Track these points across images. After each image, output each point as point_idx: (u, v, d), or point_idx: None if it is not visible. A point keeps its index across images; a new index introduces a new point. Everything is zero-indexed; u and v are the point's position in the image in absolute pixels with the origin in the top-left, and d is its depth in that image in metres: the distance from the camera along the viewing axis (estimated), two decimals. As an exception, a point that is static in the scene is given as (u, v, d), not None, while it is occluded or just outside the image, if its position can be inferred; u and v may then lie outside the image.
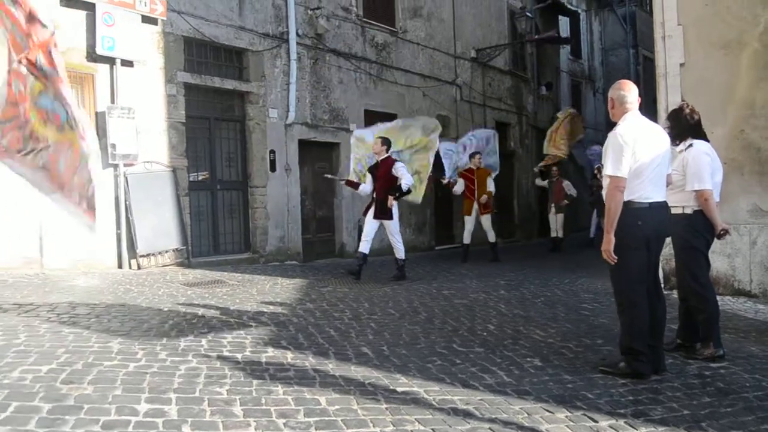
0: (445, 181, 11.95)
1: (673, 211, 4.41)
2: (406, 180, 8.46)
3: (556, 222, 14.23)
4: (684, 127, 4.73)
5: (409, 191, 8.78)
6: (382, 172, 8.58)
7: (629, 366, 4.03)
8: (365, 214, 8.85)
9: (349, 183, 9.33)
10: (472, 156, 12.09)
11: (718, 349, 4.49)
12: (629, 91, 4.12)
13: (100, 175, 8.34)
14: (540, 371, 4.21)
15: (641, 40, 24.15)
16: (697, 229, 4.56)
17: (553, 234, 14.33)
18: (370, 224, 8.69)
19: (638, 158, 3.94)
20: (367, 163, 9.63)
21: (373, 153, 8.99)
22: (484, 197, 11.53)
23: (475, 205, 11.58)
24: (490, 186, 11.73)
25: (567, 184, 14.24)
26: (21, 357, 3.91)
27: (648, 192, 4.00)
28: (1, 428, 2.80)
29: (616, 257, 3.96)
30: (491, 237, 11.79)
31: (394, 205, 8.48)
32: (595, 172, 14.95)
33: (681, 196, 4.55)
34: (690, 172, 4.52)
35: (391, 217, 8.51)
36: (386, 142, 8.73)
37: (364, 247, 8.66)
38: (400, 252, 8.74)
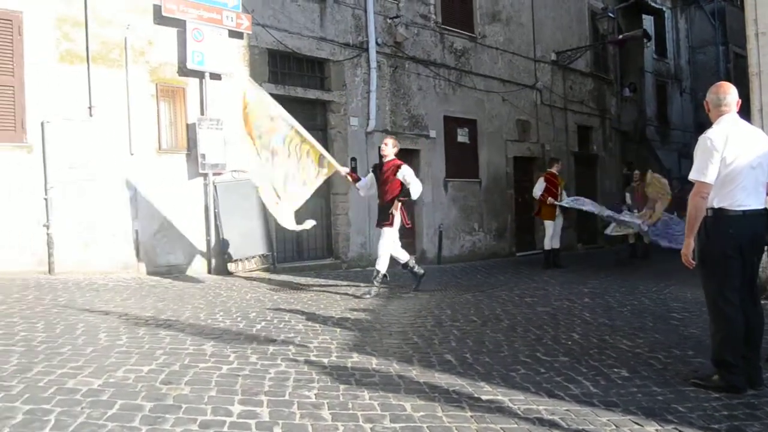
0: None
1: None
2: (415, 186, 7.64)
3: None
4: None
5: (406, 195, 7.70)
6: (387, 176, 7.78)
7: (723, 379, 3.89)
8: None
9: (354, 176, 8.31)
10: (555, 161, 11.96)
11: None
12: (725, 93, 3.96)
13: (189, 184, 8.78)
14: (627, 382, 4.12)
15: (731, 36, 23.09)
16: None
17: (631, 240, 13.78)
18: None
19: (730, 163, 3.77)
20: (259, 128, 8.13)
21: (381, 153, 8.12)
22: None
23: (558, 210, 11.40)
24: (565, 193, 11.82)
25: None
26: (124, 357, 4.15)
27: (741, 199, 3.82)
28: (110, 424, 2.99)
29: (693, 262, 3.86)
30: (556, 243, 11.61)
31: (398, 212, 7.67)
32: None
33: None
34: None
35: (391, 225, 7.69)
36: (397, 144, 8.01)
37: (403, 256, 8.03)
38: (381, 263, 7.66)
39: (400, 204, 7.63)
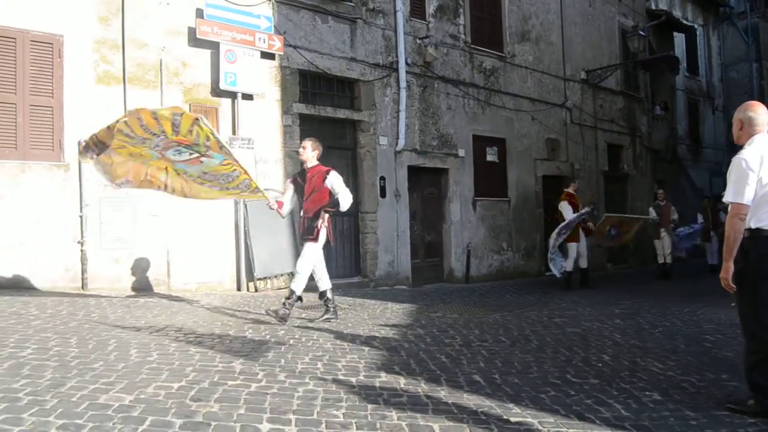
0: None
1: None
2: (344, 196, 6.71)
3: (663, 247, 13.55)
4: None
5: (334, 206, 6.76)
6: (314, 184, 6.80)
7: (759, 404, 3.80)
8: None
9: (280, 204, 6.97)
10: (571, 181, 11.93)
11: None
12: (758, 113, 3.93)
13: (220, 202, 8.89)
14: (660, 406, 4.05)
15: (765, 52, 22.79)
16: None
17: (660, 260, 13.64)
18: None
19: (766, 183, 3.75)
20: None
21: (300, 158, 7.14)
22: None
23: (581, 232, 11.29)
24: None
25: (674, 209, 13.68)
26: (154, 374, 4.20)
27: None
28: (141, 441, 3.03)
29: (734, 286, 3.79)
30: (584, 263, 11.46)
31: (323, 226, 6.70)
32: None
33: None
34: None
35: (316, 240, 6.68)
36: (318, 146, 6.99)
37: (324, 284, 7.01)
38: (298, 283, 6.68)
39: (327, 216, 6.72)
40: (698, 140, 22.10)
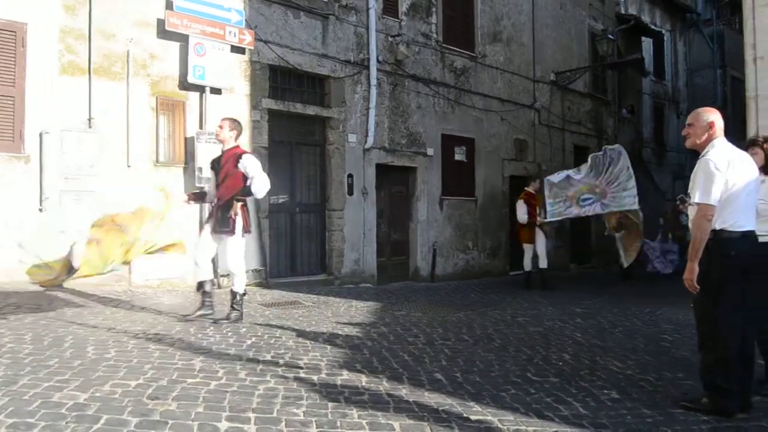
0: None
1: (760, 239, 4.24)
2: (258, 180, 6.06)
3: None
4: None
5: (247, 194, 6.16)
6: (227, 168, 6.21)
7: (712, 402, 3.89)
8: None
9: (192, 197, 6.77)
10: (532, 180, 11.87)
11: None
12: (718, 117, 4.01)
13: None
14: (618, 404, 4.11)
15: (729, 60, 23.24)
16: None
17: (625, 264, 13.77)
18: (205, 241, 6.32)
19: (730, 186, 3.82)
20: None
21: (216, 139, 6.67)
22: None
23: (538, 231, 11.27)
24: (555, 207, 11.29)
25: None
26: (111, 371, 4.14)
27: (741, 220, 3.87)
28: (94, 439, 2.98)
29: (698, 286, 3.82)
30: (543, 263, 11.33)
31: (239, 215, 6.08)
32: (677, 202, 14.45)
33: None
34: None
35: (233, 232, 6.08)
36: (236, 126, 6.38)
37: (205, 274, 6.36)
38: (239, 283, 6.30)
39: (240, 204, 6.09)
40: (662, 144, 22.47)
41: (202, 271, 6.30)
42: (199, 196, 6.73)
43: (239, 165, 6.09)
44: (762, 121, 7.29)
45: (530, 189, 11.44)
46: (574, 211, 11.02)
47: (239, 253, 6.22)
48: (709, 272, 3.81)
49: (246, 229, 6.24)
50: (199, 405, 3.58)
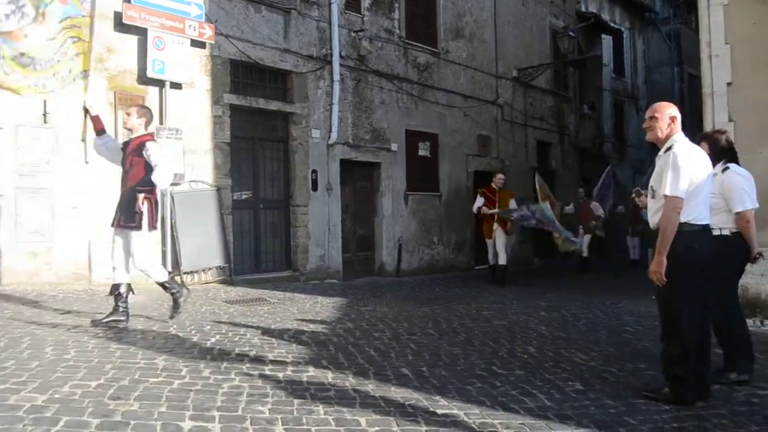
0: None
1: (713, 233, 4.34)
2: (161, 169, 5.62)
3: (583, 243, 13.53)
4: (721, 150, 4.68)
5: (148, 184, 5.65)
6: (131, 157, 5.77)
7: (673, 392, 3.96)
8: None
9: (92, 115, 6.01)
10: (494, 174, 11.73)
11: (744, 374, 4.42)
12: (678, 112, 4.06)
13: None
14: (581, 395, 4.16)
15: (686, 57, 23.76)
16: (735, 253, 4.52)
17: (584, 254, 13.92)
18: (116, 240, 5.81)
19: (694, 179, 3.88)
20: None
21: (124, 127, 6.35)
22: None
23: (495, 226, 10.96)
24: (513, 206, 11.02)
25: (595, 205, 13.92)
26: (71, 372, 4.03)
27: (703, 214, 3.95)
28: (53, 442, 2.89)
29: (665, 279, 3.84)
30: (502, 259, 11.01)
31: (144, 208, 5.61)
32: (633, 195, 14.34)
33: (719, 218, 4.50)
34: (733, 195, 4.50)
35: (139, 227, 5.63)
36: (145, 113, 5.98)
37: (120, 277, 5.79)
38: (156, 275, 5.95)
39: (142, 196, 5.59)
40: (623, 139, 22.86)
41: (117, 273, 5.79)
42: (101, 130, 5.99)
43: (143, 153, 5.66)
44: (718, 117, 7.44)
45: (493, 184, 11.28)
46: (532, 221, 10.97)
47: (146, 249, 5.80)
48: (673, 265, 3.84)
49: (152, 225, 5.75)
50: (162, 404, 3.51)
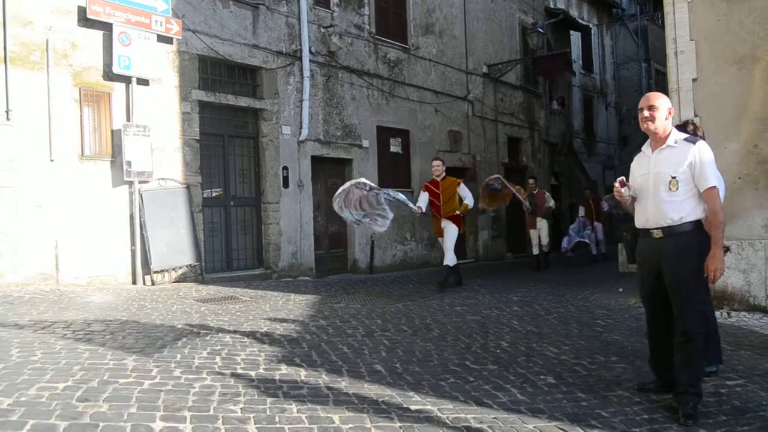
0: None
1: None
2: None
3: (539, 237, 13.35)
4: None
5: None
6: None
7: (695, 389, 3.71)
8: None
9: None
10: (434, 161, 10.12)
11: (712, 365, 4.41)
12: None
13: (114, 192, 8.50)
14: (554, 389, 4.19)
15: (653, 54, 24.17)
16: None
17: (535, 251, 13.48)
18: None
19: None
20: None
21: None
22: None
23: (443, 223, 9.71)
24: (466, 198, 9.57)
25: (548, 195, 13.61)
26: (37, 374, 3.94)
27: None
28: (19, 446, 2.82)
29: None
30: (449, 259, 9.62)
31: None
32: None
33: None
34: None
35: None
36: None
37: None
38: None
39: None
40: (592, 134, 23.16)
41: None
42: None
43: None
44: (684, 112, 7.54)
45: (433, 175, 9.89)
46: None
47: None
48: (696, 256, 3.72)
49: None
50: (132, 405, 3.45)
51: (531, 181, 13.72)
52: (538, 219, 13.23)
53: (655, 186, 3.87)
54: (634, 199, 4.03)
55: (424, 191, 9.78)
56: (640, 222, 4.01)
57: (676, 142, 3.85)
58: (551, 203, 13.44)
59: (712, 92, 7.42)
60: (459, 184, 9.74)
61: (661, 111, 3.89)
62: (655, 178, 3.87)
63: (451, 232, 9.62)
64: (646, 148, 4.05)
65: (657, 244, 3.87)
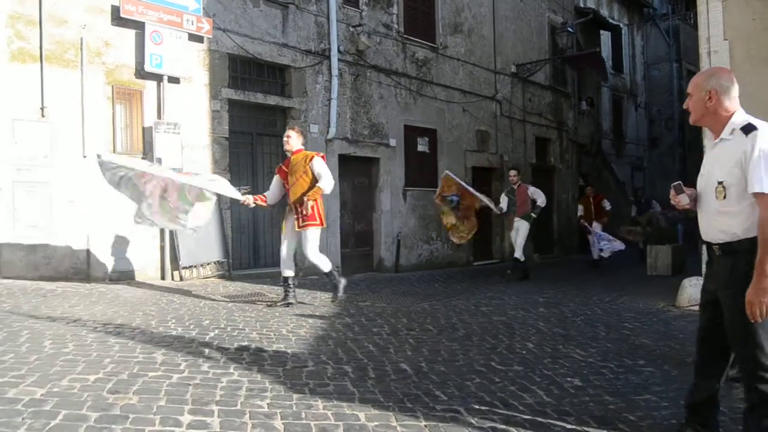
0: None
1: None
2: None
3: (517, 238, 11.28)
4: None
5: None
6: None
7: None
8: None
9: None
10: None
11: None
12: (734, 81, 3.11)
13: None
14: (580, 391, 4.16)
15: (685, 53, 23.79)
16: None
17: (517, 254, 11.31)
18: None
19: None
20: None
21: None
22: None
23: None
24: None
25: (533, 190, 11.22)
26: (69, 366, 4.02)
27: None
28: (52, 436, 2.88)
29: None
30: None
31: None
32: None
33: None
34: None
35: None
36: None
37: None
38: None
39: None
40: (621, 136, 22.89)
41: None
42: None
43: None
44: (717, 114, 7.44)
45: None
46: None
47: None
48: (744, 281, 2.82)
49: None
50: (161, 398, 3.50)
51: (512, 173, 11.43)
52: (516, 219, 11.19)
53: (705, 192, 3.09)
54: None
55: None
56: (701, 232, 3.18)
57: (732, 132, 3.00)
58: (540, 201, 11.04)
59: (746, 92, 7.22)
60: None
61: (695, 97, 3.13)
62: (706, 180, 3.09)
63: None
64: (708, 140, 3.32)
65: (716, 264, 3.07)
